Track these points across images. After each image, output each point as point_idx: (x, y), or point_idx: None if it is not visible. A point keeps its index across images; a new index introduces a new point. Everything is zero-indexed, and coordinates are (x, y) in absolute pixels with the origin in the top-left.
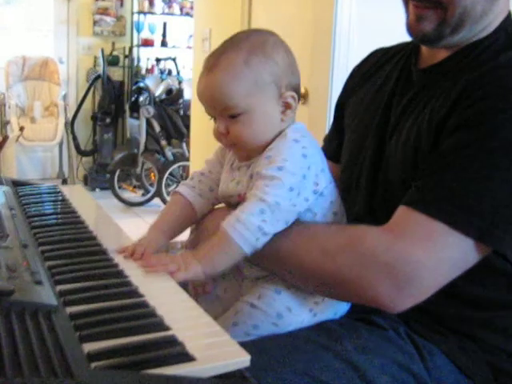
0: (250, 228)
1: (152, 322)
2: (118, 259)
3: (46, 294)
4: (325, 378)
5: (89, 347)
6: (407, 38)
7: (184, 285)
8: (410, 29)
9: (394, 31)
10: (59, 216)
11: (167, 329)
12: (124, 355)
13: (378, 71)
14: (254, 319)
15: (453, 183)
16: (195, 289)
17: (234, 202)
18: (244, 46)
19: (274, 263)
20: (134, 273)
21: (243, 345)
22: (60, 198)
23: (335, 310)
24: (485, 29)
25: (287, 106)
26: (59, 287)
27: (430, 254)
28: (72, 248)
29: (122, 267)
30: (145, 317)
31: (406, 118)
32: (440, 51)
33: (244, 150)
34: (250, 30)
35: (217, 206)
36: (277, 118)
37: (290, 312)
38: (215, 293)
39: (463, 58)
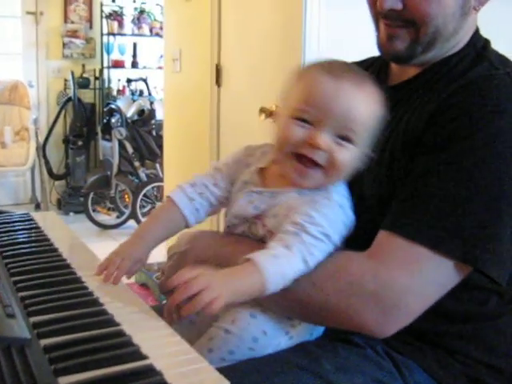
0: (285, 280)
1: (129, 351)
2: (93, 287)
3: (19, 328)
4: None
5: (64, 381)
6: (377, 51)
7: (159, 310)
8: (382, 47)
9: (363, 44)
10: (32, 245)
11: (145, 358)
12: None
13: None
14: (229, 345)
15: (432, 205)
16: (170, 314)
17: (248, 221)
18: (377, 92)
19: None
20: (109, 301)
21: (221, 370)
22: (32, 225)
23: (311, 331)
24: (455, 46)
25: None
26: (32, 319)
27: (414, 279)
28: (45, 277)
29: (96, 295)
30: (121, 346)
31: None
32: (410, 68)
33: (321, 175)
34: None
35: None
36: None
37: (266, 336)
38: (189, 317)
39: (434, 75)
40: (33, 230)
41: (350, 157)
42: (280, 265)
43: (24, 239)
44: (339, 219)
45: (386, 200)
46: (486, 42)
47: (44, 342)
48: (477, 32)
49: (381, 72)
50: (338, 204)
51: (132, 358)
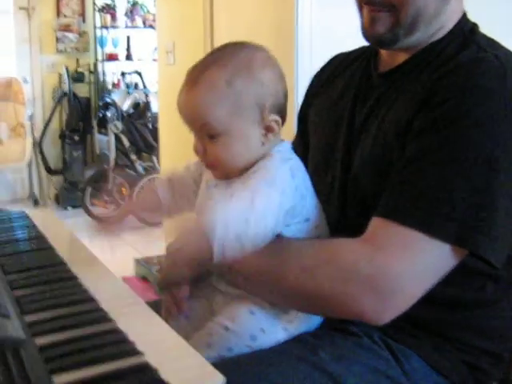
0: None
1: (124, 348)
2: (88, 284)
3: (14, 328)
4: None
5: (60, 379)
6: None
7: (157, 306)
8: (365, 32)
9: (355, 35)
10: (27, 243)
11: (140, 354)
12: None
13: (338, 77)
14: (228, 342)
15: (424, 190)
16: (169, 310)
17: None
18: (229, 63)
19: (254, 283)
20: (104, 297)
21: (216, 363)
22: (28, 223)
23: (309, 324)
24: (440, 30)
25: (269, 130)
26: (28, 318)
27: (409, 264)
28: (40, 275)
29: (91, 292)
30: (116, 343)
31: (371, 124)
32: (399, 54)
33: (222, 171)
34: (237, 43)
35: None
36: (257, 142)
37: (264, 333)
38: (184, 313)
39: (422, 60)
40: (28, 228)
41: (225, 148)
42: (220, 209)
43: (19, 237)
44: (282, 171)
45: (381, 188)
46: (474, 26)
47: (39, 340)
48: (464, 16)
49: (371, 60)
50: (279, 159)
51: (127, 355)
